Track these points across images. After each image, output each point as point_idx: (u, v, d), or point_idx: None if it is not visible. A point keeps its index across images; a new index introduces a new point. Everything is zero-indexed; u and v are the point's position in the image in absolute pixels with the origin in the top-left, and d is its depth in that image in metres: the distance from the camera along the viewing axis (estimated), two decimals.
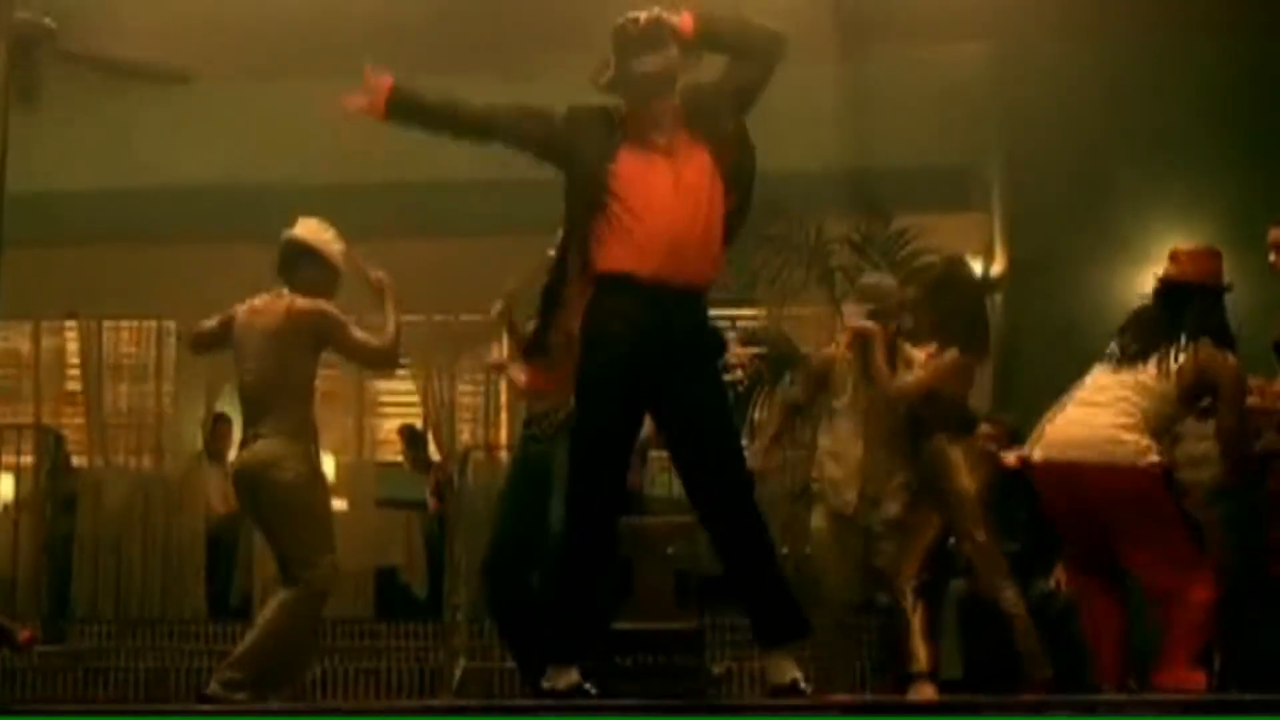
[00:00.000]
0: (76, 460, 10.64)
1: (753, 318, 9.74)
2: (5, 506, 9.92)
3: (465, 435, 10.84)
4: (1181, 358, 5.40)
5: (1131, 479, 5.26)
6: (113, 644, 8.85)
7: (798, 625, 4.68)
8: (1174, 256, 5.68)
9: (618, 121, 4.71)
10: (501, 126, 4.81)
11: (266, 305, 5.88)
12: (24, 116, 6.40)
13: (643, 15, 4.68)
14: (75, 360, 11.37)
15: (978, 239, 9.92)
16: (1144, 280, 5.85)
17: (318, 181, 10.35)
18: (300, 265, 5.82)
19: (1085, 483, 5.32)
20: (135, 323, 11.39)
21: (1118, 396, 5.38)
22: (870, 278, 7.01)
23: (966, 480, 6.15)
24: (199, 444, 10.91)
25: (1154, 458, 5.30)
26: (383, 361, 6.13)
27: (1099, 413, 5.38)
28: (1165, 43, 9.06)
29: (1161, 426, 5.41)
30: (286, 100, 9.86)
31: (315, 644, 6.13)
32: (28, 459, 9.53)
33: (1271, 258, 6.03)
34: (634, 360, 4.58)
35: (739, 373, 8.24)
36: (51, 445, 9.51)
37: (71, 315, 11.31)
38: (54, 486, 9.38)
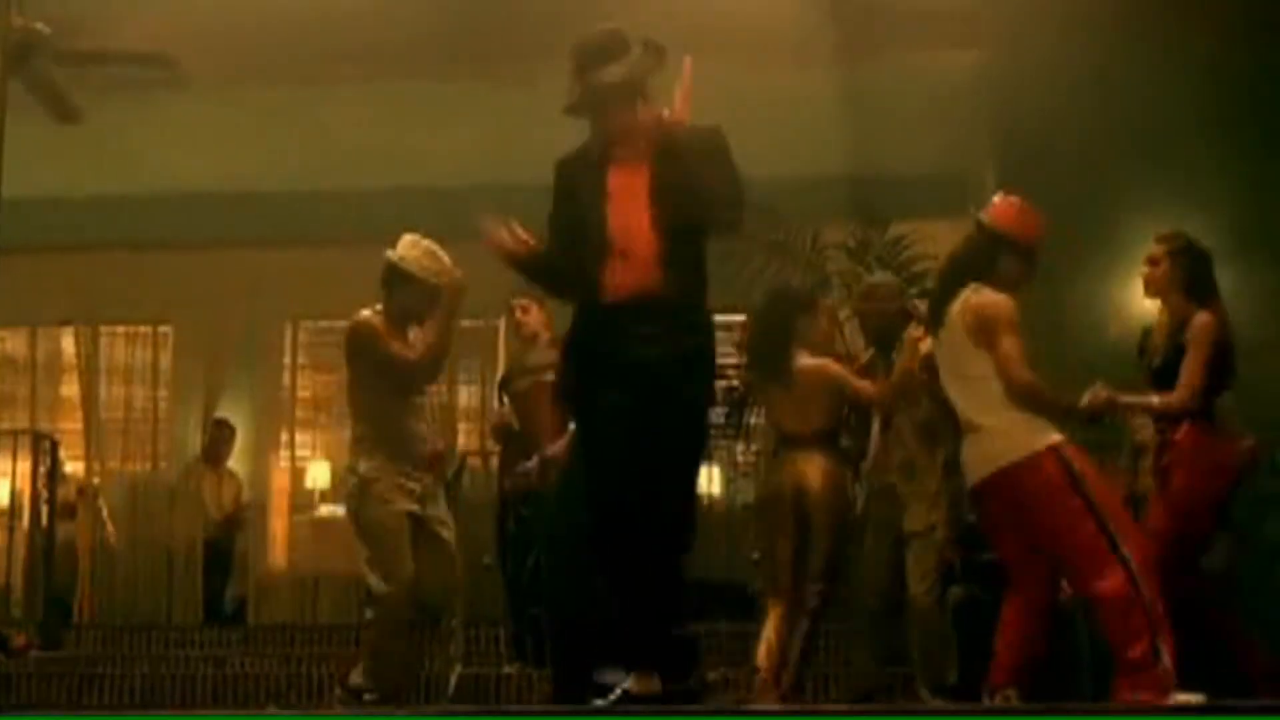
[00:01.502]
0: (72, 466, 10.63)
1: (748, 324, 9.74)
2: (1, 512, 9.91)
3: (461, 441, 10.84)
4: (958, 305, 5.09)
5: (1036, 466, 4.91)
6: (109, 650, 8.83)
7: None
8: (993, 203, 5.40)
9: (595, 151, 4.64)
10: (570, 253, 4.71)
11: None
12: (23, 119, 6.37)
13: (598, 29, 4.60)
14: (72, 365, 11.37)
15: None
16: (1140, 284, 5.84)
17: (315, 186, 10.38)
18: (392, 287, 5.87)
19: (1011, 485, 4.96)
20: (131, 328, 11.41)
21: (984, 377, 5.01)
22: (875, 278, 6.99)
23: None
24: (196, 449, 10.90)
25: (1053, 436, 4.95)
26: (413, 372, 5.98)
27: (990, 411, 4.99)
28: (1161, 48, 9.06)
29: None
30: (284, 105, 9.86)
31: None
32: (24, 465, 9.51)
33: (1144, 270, 5.74)
34: (625, 374, 4.53)
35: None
36: (47, 451, 9.50)
37: (67, 321, 11.31)
38: (50, 492, 9.36)
